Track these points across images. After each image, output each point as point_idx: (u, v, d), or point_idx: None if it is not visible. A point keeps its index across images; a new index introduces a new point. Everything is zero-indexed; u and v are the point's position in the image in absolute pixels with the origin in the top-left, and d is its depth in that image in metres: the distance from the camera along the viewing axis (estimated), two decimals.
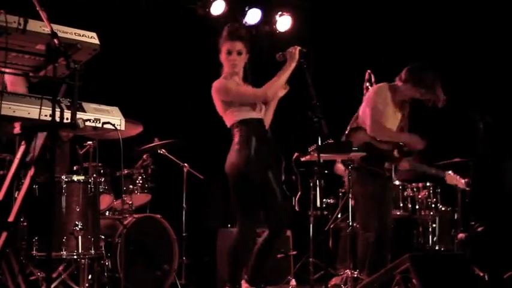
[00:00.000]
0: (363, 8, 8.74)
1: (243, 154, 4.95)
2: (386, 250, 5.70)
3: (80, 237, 5.32)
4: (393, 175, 5.86)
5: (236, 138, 5.03)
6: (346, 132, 5.93)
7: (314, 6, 8.83)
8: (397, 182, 7.17)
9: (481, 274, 6.19)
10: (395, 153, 5.84)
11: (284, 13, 8.53)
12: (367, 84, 6.28)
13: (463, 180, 6.27)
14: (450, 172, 6.21)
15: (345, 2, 8.80)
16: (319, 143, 4.95)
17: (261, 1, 8.42)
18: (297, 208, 6.93)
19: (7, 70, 3.89)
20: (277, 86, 4.99)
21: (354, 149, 5.60)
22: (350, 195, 6.35)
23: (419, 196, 7.65)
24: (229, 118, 5.08)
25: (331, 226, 7.59)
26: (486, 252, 6.88)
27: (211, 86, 5.09)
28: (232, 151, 5.02)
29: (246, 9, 8.30)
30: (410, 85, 5.79)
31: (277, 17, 8.47)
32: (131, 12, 7.67)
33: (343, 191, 7.61)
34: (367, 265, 5.68)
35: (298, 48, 4.97)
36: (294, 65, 4.96)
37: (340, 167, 7.82)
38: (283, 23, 8.43)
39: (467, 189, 6.38)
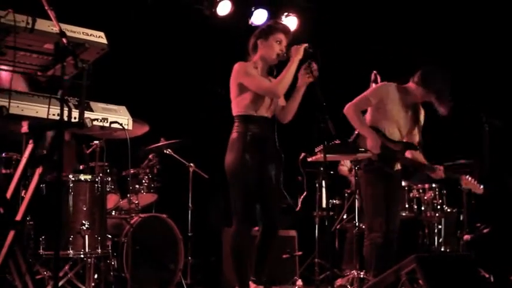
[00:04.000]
0: (368, 9, 8.74)
1: (235, 153, 4.99)
2: (393, 251, 5.68)
3: (86, 236, 5.33)
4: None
5: (232, 134, 5.07)
6: (356, 132, 5.91)
7: (320, 7, 8.83)
8: (403, 183, 7.14)
9: (487, 275, 6.18)
10: (407, 154, 5.84)
11: (290, 14, 8.54)
12: (373, 85, 6.27)
13: (479, 185, 6.06)
14: (467, 177, 6.05)
15: (351, 3, 8.79)
16: (326, 144, 4.95)
17: (267, 2, 8.43)
18: (297, 208, 6.93)
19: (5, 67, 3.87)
20: (286, 82, 4.99)
21: (360, 149, 5.59)
22: (356, 196, 6.35)
23: (425, 197, 7.63)
24: (236, 107, 5.10)
25: (337, 227, 7.59)
26: (492, 254, 6.87)
27: (233, 66, 5.09)
28: (228, 148, 5.07)
29: (253, 9, 8.31)
30: (422, 88, 5.75)
31: (283, 17, 8.47)
32: (138, 12, 7.69)
33: (348, 191, 7.61)
34: (373, 266, 5.66)
35: (304, 45, 4.99)
36: (298, 58, 4.97)
37: (342, 168, 7.84)
38: (289, 23, 8.42)
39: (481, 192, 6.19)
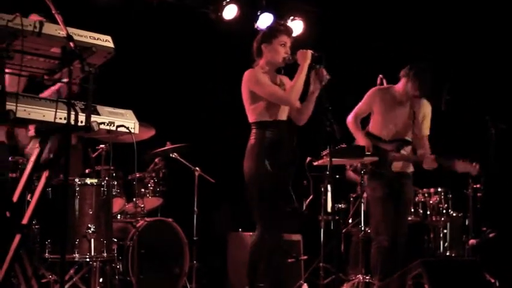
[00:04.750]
0: (374, 8, 8.72)
1: (254, 160, 4.95)
2: (399, 255, 5.67)
3: (92, 240, 5.34)
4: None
5: (250, 140, 5.02)
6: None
7: (325, 11, 8.83)
8: None
9: (492, 280, 6.17)
10: (403, 151, 5.85)
11: (296, 18, 8.54)
12: None
13: (473, 165, 5.88)
14: (460, 160, 5.84)
15: (357, 7, 8.79)
16: (332, 147, 4.94)
17: (273, 5, 8.43)
18: (303, 210, 6.92)
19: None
20: (297, 89, 4.96)
21: (367, 153, 5.60)
22: (362, 200, 6.35)
23: (431, 201, 7.63)
24: (252, 114, 5.05)
25: (343, 231, 7.58)
26: (497, 259, 6.86)
27: (243, 74, 5.05)
28: (246, 155, 5.01)
29: (258, 13, 8.30)
30: (405, 81, 5.83)
31: (289, 21, 8.47)
32: (144, 16, 7.69)
33: (354, 196, 7.60)
34: (378, 270, 5.65)
35: (310, 51, 4.97)
36: (307, 64, 4.94)
37: (351, 173, 7.84)
38: (295, 27, 8.41)
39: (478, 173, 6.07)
